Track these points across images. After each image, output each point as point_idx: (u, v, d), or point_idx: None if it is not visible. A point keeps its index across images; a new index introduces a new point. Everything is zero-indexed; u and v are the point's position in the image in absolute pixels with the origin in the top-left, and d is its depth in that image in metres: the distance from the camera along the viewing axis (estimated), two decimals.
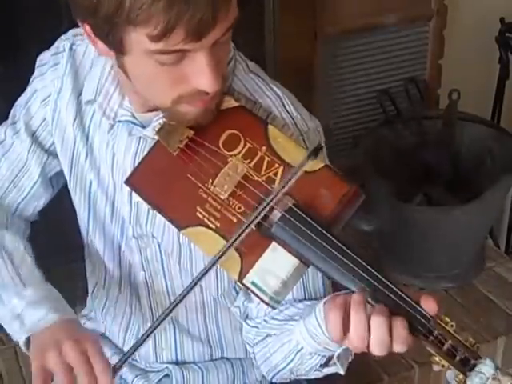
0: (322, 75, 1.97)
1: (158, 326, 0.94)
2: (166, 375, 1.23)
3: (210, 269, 0.93)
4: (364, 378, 1.67)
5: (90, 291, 1.30)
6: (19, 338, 1.05)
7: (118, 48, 0.91)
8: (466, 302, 1.88)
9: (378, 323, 0.87)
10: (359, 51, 2.01)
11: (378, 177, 1.78)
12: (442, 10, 2.03)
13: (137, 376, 1.24)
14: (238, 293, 1.15)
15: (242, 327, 1.19)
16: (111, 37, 0.89)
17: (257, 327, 1.11)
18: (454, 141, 1.99)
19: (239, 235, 0.92)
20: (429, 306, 0.87)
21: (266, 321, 1.09)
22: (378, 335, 0.87)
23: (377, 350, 0.88)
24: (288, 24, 1.81)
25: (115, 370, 0.96)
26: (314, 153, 0.94)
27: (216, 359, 1.24)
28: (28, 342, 1.04)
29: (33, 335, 1.03)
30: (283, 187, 0.93)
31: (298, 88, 1.10)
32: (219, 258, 0.92)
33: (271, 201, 0.92)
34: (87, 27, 0.92)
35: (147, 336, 0.94)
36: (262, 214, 0.92)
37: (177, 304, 0.94)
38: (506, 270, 2.00)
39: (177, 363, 1.23)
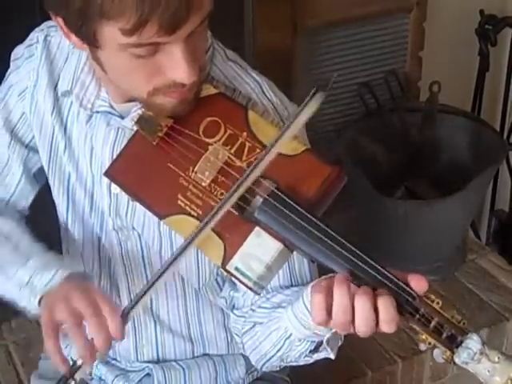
0: (302, 68, 1.96)
1: (141, 297, 0.94)
2: (147, 374, 1.22)
3: (186, 247, 0.92)
4: (348, 372, 1.68)
5: None
6: (31, 303, 1.04)
7: (91, 42, 0.90)
8: (448, 294, 1.88)
9: (362, 302, 0.86)
10: (339, 44, 1.99)
11: (359, 170, 1.77)
12: (421, 2, 2.02)
13: (117, 376, 1.23)
14: (220, 286, 1.15)
15: (224, 322, 1.20)
16: (84, 30, 0.88)
17: (244, 317, 1.11)
18: (435, 133, 1.99)
19: (220, 207, 0.91)
20: (415, 284, 0.87)
21: (253, 310, 1.09)
22: (362, 314, 0.86)
23: (362, 329, 0.87)
24: (267, 16, 1.80)
25: (124, 316, 0.95)
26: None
27: (198, 356, 1.23)
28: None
29: (44, 296, 1.02)
30: (265, 157, 0.92)
31: (277, 81, 1.10)
32: (197, 234, 0.92)
33: (254, 168, 0.91)
34: (60, 20, 0.91)
35: (136, 301, 0.94)
36: (245, 186, 0.91)
37: (159, 276, 0.93)
38: (487, 262, 2.01)
39: (158, 361, 1.22)
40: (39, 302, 1.03)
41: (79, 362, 0.94)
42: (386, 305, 0.85)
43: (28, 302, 1.05)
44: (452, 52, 2.14)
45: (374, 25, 2.01)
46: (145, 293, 0.94)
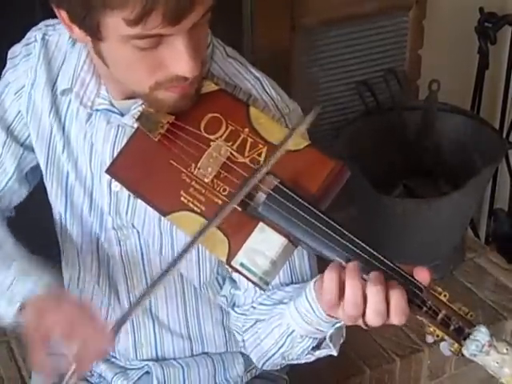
0: (300, 66, 1.96)
1: (141, 300, 0.93)
2: (146, 372, 1.22)
3: (192, 245, 0.91)
4: (346, 371, 1.67)
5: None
6: (10, 311, 1.01)
7: (94, 33, 0.89)
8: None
9: (374, 292, 0.85)
10: (337, 42, 1.99)
11: (358, 168, 1.77)
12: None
13: (116, 374, 1.23)
14: (220, 284, 1.15)
15: (222, 320, 1.20)
16: (88, 21, 0.88)
17: (245, 314, 1.10)
18: (434, 131, 1.99)
19: (226, 207, 0.91)
20: (421, 276, 0.87)
21: (253, 307, 1.09)
22: (374, 303, 0.86)
23: (373, 318, 0.87)
24: (265, 14, 1.80)
25: (116, 327, 0.94)
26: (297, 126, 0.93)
27: (197, 354, 1.23)
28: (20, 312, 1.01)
29: (26, 304, 1.00)
30: (269, 162, 0.92)
31: (275, 79, 1.10)
32: (203, 230, 0.91)
33: (259, 172, 0.91)
34: (63, 13, 0.91)
35: (131, 312, 0.93)
36: (247, 190, 0.91)
37: (163, 276, 0.92)
38: (486, 261, 2.01)
39: (157, 360, 1.21)
40: (19, 310, 1.00)
41: (69, 373, 0.91)
42: (397, 297, 0.85)
43: (6, 310, 1.02)
44: (451, 50, 2.14)
45: (372, 23, 2.00)
46: (144, 297, 0.92)
